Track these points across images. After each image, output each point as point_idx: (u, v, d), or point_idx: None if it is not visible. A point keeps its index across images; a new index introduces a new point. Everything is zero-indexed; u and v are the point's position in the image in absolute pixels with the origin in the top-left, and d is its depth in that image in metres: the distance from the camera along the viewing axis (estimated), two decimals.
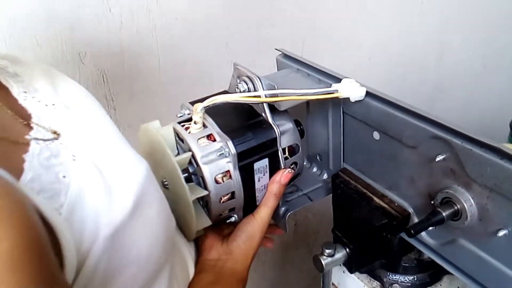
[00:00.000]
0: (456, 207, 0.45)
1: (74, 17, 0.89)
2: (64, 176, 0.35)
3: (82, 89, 0.49)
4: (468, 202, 0.44)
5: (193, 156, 0.48)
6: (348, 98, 0.51)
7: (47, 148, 0.37)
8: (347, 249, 0.55)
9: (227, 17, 1.04)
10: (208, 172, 0.48)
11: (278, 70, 0.66)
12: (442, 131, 0.45)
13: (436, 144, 0.46)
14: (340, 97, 0.51)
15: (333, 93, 0.50)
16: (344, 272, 0.63)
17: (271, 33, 1.10)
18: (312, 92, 0.49)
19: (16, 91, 0.41)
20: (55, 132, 0.39)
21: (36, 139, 0.37)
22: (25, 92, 0.42)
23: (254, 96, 0.49)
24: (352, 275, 0.60)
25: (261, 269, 1.47)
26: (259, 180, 0.51)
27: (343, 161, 0.60)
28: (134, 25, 0.97)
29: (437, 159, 0.46)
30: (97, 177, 0.37)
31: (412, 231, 0.44)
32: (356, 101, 0.51)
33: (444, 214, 0.45)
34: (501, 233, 0.41)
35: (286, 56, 0.64)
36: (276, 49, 0.65)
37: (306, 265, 1.56)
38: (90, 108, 0.46)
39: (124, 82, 0.96)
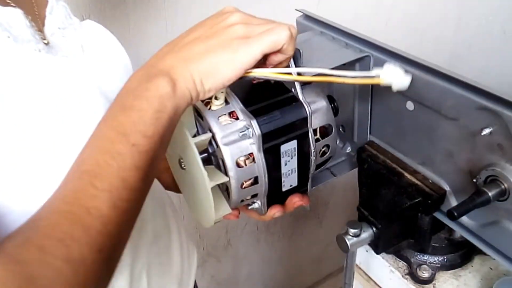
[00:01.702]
0: (503, 186, 0.40)
1: None
2: None
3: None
4: None
5: (213, 135, 0.43)
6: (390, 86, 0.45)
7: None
8: (374, 229, 0.51)
9: None
10: (229, 154, 0.43)
11: (298, 32, 0.60)
12: (491, 101, 0.39)
13: (482, 116, 0.41)
14: (382, 84, 0.44)
15: (373, 78, 0.44)
16: (367, 251, 0.59)
17: None
18: (350, 75, 0.43)
19: None
20: None
21: None
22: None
23: (285, 73, 0.43)
24: (377, 255, 0.57)
25: (269, 240, 1.45)
26: (285, 164, 0.46)
27: (370, 133, 0.56)
28: None
29: (483, 132, 0.41)
30: None
31: (456, 213, 0.39)
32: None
33: (490, 194, 0.40)
34: None
35: (307, 17, 0.58)
36: (296, 9, 0.59)
37: (316, 236, 1.54)
38: None
39: (130, 48, 0.90)
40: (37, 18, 0.46)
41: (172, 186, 0.61)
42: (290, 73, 0.43)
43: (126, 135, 0.35)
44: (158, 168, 0.39)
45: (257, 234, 1.39)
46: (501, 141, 0.40)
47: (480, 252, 0.48)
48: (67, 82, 0.44)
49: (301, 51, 0.45)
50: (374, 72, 0.44)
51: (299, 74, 0.44)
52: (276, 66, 0.42)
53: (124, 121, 0.35)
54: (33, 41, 0.42)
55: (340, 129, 0.59)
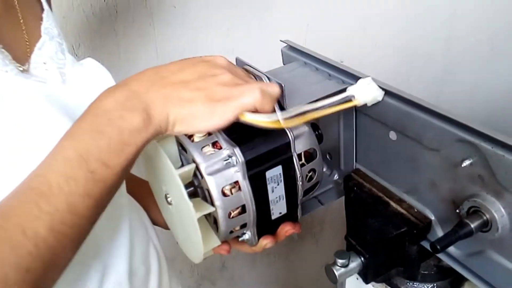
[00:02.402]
0: (485, 218, 0.41)
1: (66, 7, 0.84)
2: None
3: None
4: (499, 212, 0.40)
5: (197, 166, 0.43)
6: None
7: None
8: (362, 258, 0.51)
9: (228, 2, 0.99)
10: (214, 183, 0.43)
11: (283, 61, 0.61)
12: (469, 134, 0.40)
13: (462, 147, 0.41)
14: (358, 105, 0.46)
15: (350, 100, 0.45)
16: (357, 279, 0.59)
17: (274, 17, 1.05)
18: (327, 103, 0.44)
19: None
20: None
21: None
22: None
23: (270, 124, 0.42)
24: (368, 284, 0.57)
25: (266, 260, 1.45)
26: (272, 191, 0.46)
27: (356, 160, 0.56)
28: (130, 14, 0.92)
29: (463, 164, 0.41)
30: None
31: (438, 247, 0.40)
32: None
33: (472, 225, 0.40)
34: None
35: (291, 48, 0.59)
36: (281, 40, 0.60)
37: (312, 256, 1.53)
38: None
39: (119, 74, 0.91)
40: (24, 48, 0.47)
41: (160, 222, 0.62)
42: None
43: (87, 161, 0.35)
44: (111, 197, 0.39)
45: (252, 255, 1.38)
46: (481, 172, 0.40)
47: None
48: (33, 103, 0.43)
49: (283, 85, 0.46)
50: (349, 92, 0.46)
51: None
52: None
53: (89, 144, 0.35)
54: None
55: (327, 157, 0.60)
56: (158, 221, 0.64)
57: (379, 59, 1.25)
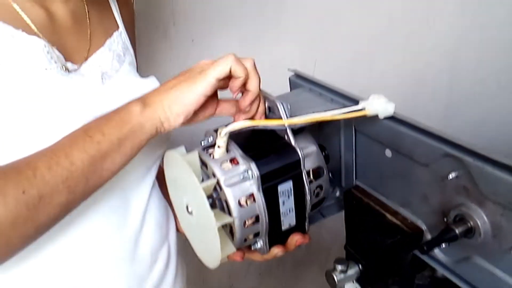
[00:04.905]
0: (469, 224, 0.45)
1: None
2: None
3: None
4: (481, 219, 0.44)
5: (217, 180, 0.49)
6: (376, 115, 0.51)
7: None
8: (360, 266, 0.55)
9: (242, 37, 1.06)
10: (232, 195, 0.48)
11: (290, 89, 0.67)
12: (454, 149, 0.45)
13: (448, 162, 0.46)
14: (368, 115, 0.50)
15: (361, 110, 0.50)
16: None
17: (283, 53, 1.12)
18: (339, 112, 0.50)
19: None
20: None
21: None
22: None
23: (278, 122, 0.50)
24: None
25: (272, 285, 1.47)
26: (283, 204, 0.51)
27: (356, 178, 0.61)
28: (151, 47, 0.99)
29: (450, 176, 0.46)
30: None
31: (425, 247, 0.44)
32: (371, 119, 0.51)
33: (457, 231, 0.45)
34: None
35: (298, 76, 0.65)
36: (289, 69, 0.66)
37: (318, 283, 1.55)
38: None
39: None
40: (83, 54, 0.57)
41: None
42: (282, 119, 0.50)
43: (88, 130, 0.45)
44: (108, 163, 0.46)
45: (259, 278, 1.40)
46: (466, 184, 0.45)
47: None
48: (65, 96, 0.52)
49: (289, 105, 0.52)
50: (360, 105, 0.51)
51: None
52: (237, 90, 0.50)
53: (92, 122, 0.46)
54: (45, 61, 0.51)
55: (330, 175, 0.65)
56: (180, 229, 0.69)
57: (385, 89, 1.31)
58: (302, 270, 1.50)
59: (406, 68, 1.35)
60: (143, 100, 0.48)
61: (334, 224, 1.32)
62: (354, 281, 0.60)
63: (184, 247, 0.71)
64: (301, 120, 0.50)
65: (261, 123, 0.51)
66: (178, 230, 0.69)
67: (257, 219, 0.50)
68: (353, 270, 0.54)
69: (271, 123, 0.51)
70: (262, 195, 0.49)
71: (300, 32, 1.14)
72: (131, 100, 0.48)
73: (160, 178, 0.66)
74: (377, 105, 0.50)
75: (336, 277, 0.54)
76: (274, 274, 1.44)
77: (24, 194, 0.40)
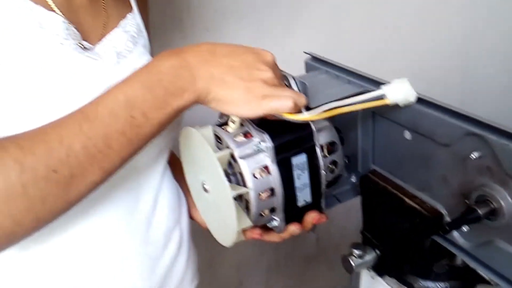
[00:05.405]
0: (492, 205, 0.44)
1: None
2: None
3: None
4: (505, 200, 0.43)
5: (231, 154, 0.48)
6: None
7: None
8: (377, 251, 0.54)
9: (255, 27, 1.05)
10: (246, 166, 0.48)
11: (307, 71, 0.66)
12: (477, 127, 0.44)
13: (471, 141, 0.45)
14: (389, 104, 0.49)
15: (381, 98, 0.49)
16: (373, 278, 0.61)
17: (297, 43, 1.11)
18: (357, 100, 0.48)
19: None
20: None
21: None
22: None
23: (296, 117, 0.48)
24: (382, 281, 0.59)
25: (281, 281, 1.45)
26: (298, 178, 0.50)
27: (373, 162, 0.60)
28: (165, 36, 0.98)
29: (472, 156, 0.45)
30: None
31: (447, 227, 0.43)
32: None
33: (479, 211, 0.43)
34: None
35: (314, 58, 0.64)
36: (304, 52, 0.65)
37: (327, 280, 1.53)
38: None
39: None
40: (99, 34, 0.56)
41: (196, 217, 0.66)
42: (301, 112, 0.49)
43: (132, 107, 0.42)
44: (143, 145, 0.45)
45: (268, 274, 1.39)
46: (489, 163, 0.44)
47: (482, 280, 0.50)
48: (80, 72, 0.51)
49: (307, 84, 0.51)
50: (380, 91, 0.49)
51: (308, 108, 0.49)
52: None
53: (138, 95, 0.42)
54: (63, 37, 0.50)
55: (346, 161, 0.63)
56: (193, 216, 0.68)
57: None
58: (310, 266, 1.48)
59: (419, 65, 1.33)
60: (192, 83, 0.44)
61: (343, 221, 1.31)
62: (370, 269, 0.58)
63: (195, 239, 0.70)
64: (322, 114, 0.48)
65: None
66: (191, 217, 0.69)
67: (272, 192, 0.50)
68: (370, 256, 0.53)
69: (293, 117, 0.48)
70: (276, 167, 0.49)
71: (314, 21, 1.13)
72: (184, 68, 0.44)
73: (173, 163, 0.65)
74: (398, 94, 0.49)
75: (353, 261, 0.52)
76: (282, 269, 1.43)
77: (55, 174, 0.39)
